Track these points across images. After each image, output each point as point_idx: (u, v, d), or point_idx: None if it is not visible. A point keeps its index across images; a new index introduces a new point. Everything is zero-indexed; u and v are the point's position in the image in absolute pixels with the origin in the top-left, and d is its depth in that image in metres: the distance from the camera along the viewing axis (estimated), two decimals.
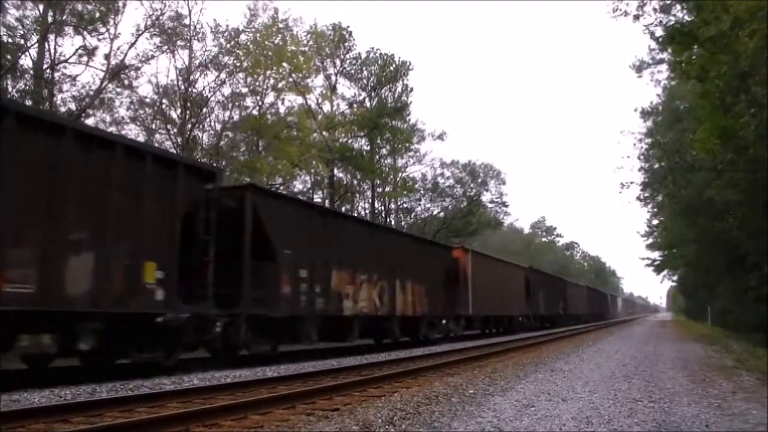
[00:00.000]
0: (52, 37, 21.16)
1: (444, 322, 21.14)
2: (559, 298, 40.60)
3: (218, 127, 27.11)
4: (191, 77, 24.89)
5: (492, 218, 46.16)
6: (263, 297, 12.00)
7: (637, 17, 16.10)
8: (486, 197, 44.27)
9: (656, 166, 28.47)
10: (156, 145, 22.09)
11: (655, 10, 16.18)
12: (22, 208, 7.95)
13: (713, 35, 12.25)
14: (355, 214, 24.93)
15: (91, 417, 6.18)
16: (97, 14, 21.72)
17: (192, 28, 24.44)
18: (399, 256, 17.96)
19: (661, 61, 21.75)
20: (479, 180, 43.41)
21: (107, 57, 22.34)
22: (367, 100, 36.43)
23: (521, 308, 30.96)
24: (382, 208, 39.28)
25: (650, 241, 49.95)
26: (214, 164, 21.13)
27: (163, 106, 25.61)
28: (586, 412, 6.37)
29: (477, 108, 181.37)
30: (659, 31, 16.71)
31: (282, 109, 29.05)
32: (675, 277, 60.52)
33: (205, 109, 25.85)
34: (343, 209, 31.97)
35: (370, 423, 5.68)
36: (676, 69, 18.08)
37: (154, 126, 25.81)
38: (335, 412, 6.46)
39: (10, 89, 20.22)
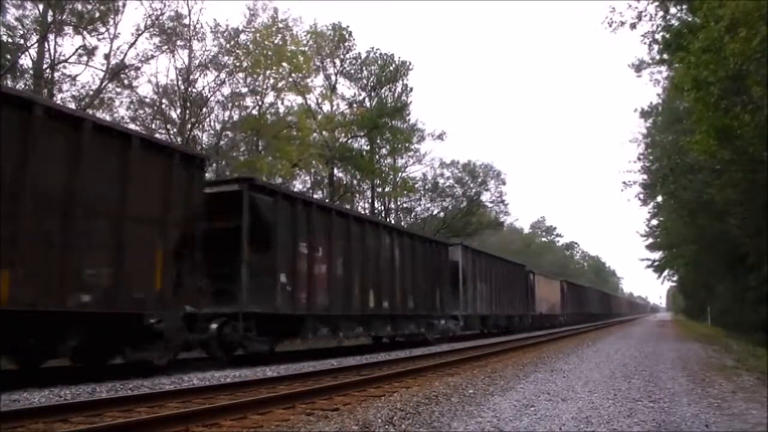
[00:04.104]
0: (52, 36, 21.19)
1: (520, 319, 31.57)
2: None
3: (218, 127, 27.13)
4: (191, 77, 24.90)
5: (493, 220, 46.20)
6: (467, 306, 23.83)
7: (633, 26, 16.13)
8: (486, 197, 44.35)
9: (656, 165, 28.49)
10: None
11: (651, 16, 16.19)
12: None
13: (706, 45, 12.20)
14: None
15: (90, 417, 6.18)
16: (97, 14, 21.73)
17: (192, 28, 24.46)
18: (510, 279, 30.11)
19: (661, 62, 21.74)
20: (479, 180, 43.42)
21: (107, 57, 22.39)
22: (367, 100, 36.42)
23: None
24: (382, 208, 39.31)
25: (650, 241, 49.94)
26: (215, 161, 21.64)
27: (163, 106, 25.63)
28: (585, 412, 6.36)
29: (477, 108, 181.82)
30: (657, 37, 16.78)
31: (282, 109, 29.10)
32: (675, 278, 60.44)
33: (204, 109, 25.85)
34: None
35: (370, 423, 5.68)
36: (673, 79, 18.13)
37: (154, 126, 25.81)
38: (335, 411, 6.45)
39: None
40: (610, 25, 15.80)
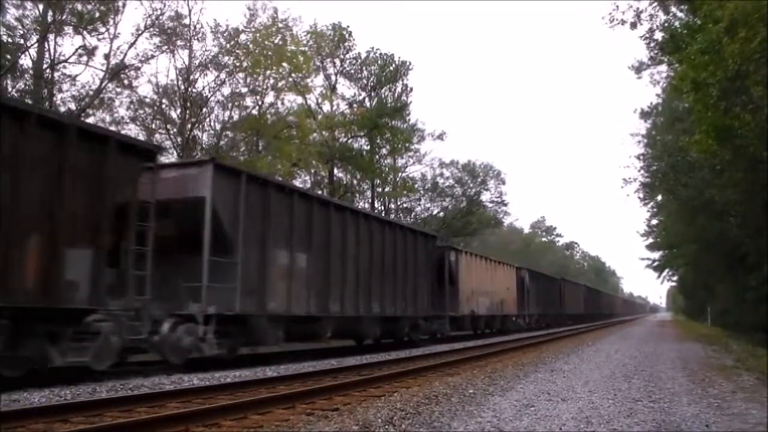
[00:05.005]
0: (51, 36, 21.19)
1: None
2: None
3: (218, 127, 27.12)
4: (191, 77, 24.90)
5: (492, 218, 46.21)
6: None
7: (634, 25, 16.25)
8: (486, 197, 44.37)
9: (656, 165, 28.53)
10: (156, 144, 22.17)
11: (651, 16, 16.33)
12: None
13: (705, 47, 12.23)
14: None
15: (90, 417, 6.18)
16: (97, 14, 21.73)
17: (192, 28, 24.46)
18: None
19: (660, 62, 21.80)
20: (479, 180, 43.45)
21: (107, 57, 22.39)
22: (366, 100, 36.41)
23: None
24: (382, 208, 39.30)
25: (650, 241, 49.95)
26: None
27: (163, 106, 25.61)
28: (585, 412, 6.37)
29: (477, 108, 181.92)
30: (657, 36, 16.92)
31: (282, 109, 29.10)
32: (675, 278, 60.42)
33: (205, 109, 25.85)
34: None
35: (370, 423, 5.68)
36: (673, 79, 18.25)
37: (154, 126, 25.81)
38: (335, 411, 6.46)
39: (10, 89, 20.23)
40: (611, 22, 15.93)
